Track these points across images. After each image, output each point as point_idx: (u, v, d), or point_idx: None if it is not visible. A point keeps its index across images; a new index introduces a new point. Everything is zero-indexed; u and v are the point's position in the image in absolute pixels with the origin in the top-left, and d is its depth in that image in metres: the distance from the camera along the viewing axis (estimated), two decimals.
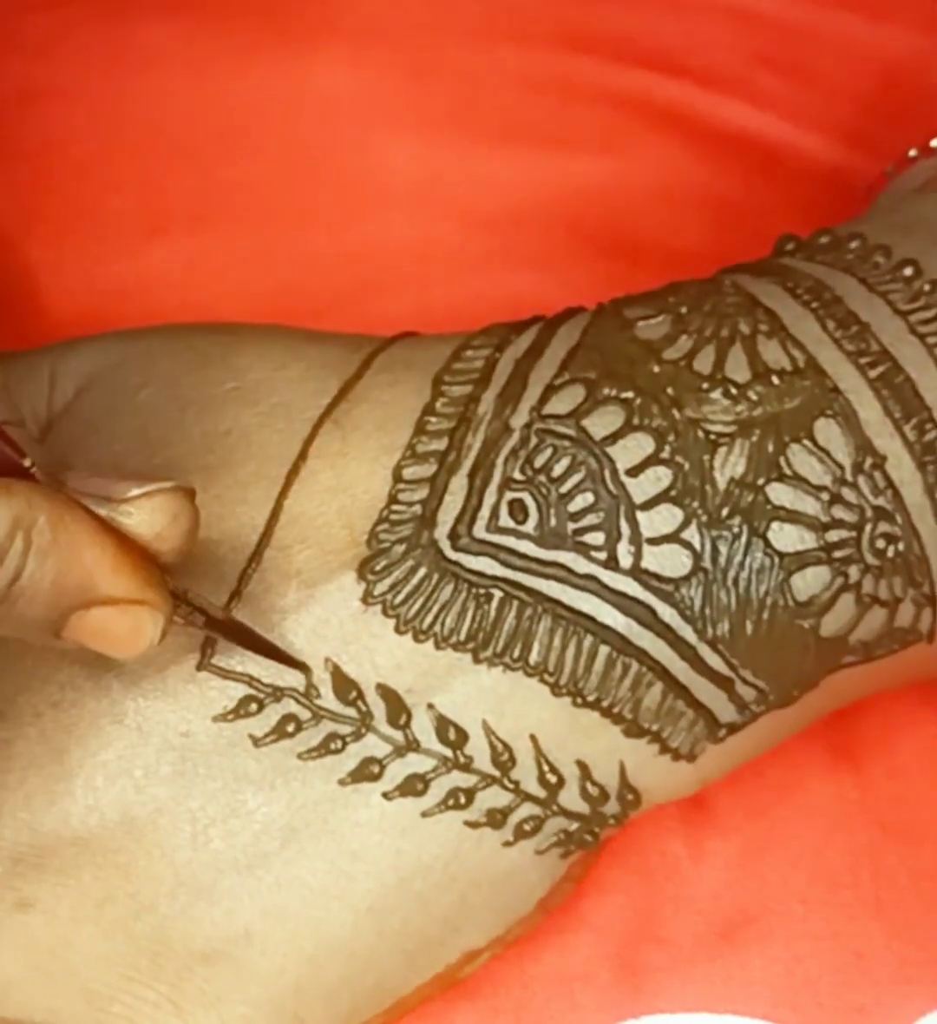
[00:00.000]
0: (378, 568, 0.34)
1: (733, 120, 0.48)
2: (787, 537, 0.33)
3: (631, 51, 0.48)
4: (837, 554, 0.33)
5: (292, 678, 0.33)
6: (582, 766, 0.34)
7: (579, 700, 0.33)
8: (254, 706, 0.33)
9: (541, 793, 0.34)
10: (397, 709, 0.33)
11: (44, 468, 0.30)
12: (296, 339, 0.37)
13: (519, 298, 0.44)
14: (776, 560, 0.33)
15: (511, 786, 0.34)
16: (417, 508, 0.34)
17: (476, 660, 0.33)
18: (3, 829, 0.33)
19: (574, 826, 0.34)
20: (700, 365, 0.34)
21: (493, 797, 0.34)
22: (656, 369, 0.34)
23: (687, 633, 0.33)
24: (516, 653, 0.33)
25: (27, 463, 0.30)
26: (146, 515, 0.31)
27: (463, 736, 0.33)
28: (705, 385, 0.34)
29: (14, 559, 0.29)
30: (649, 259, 0.46)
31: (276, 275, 0.45)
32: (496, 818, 0.33)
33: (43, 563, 0.29)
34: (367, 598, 0.33)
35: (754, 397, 0.34)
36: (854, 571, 0.34)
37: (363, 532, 0.34)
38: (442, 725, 0.33)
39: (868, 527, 0.34)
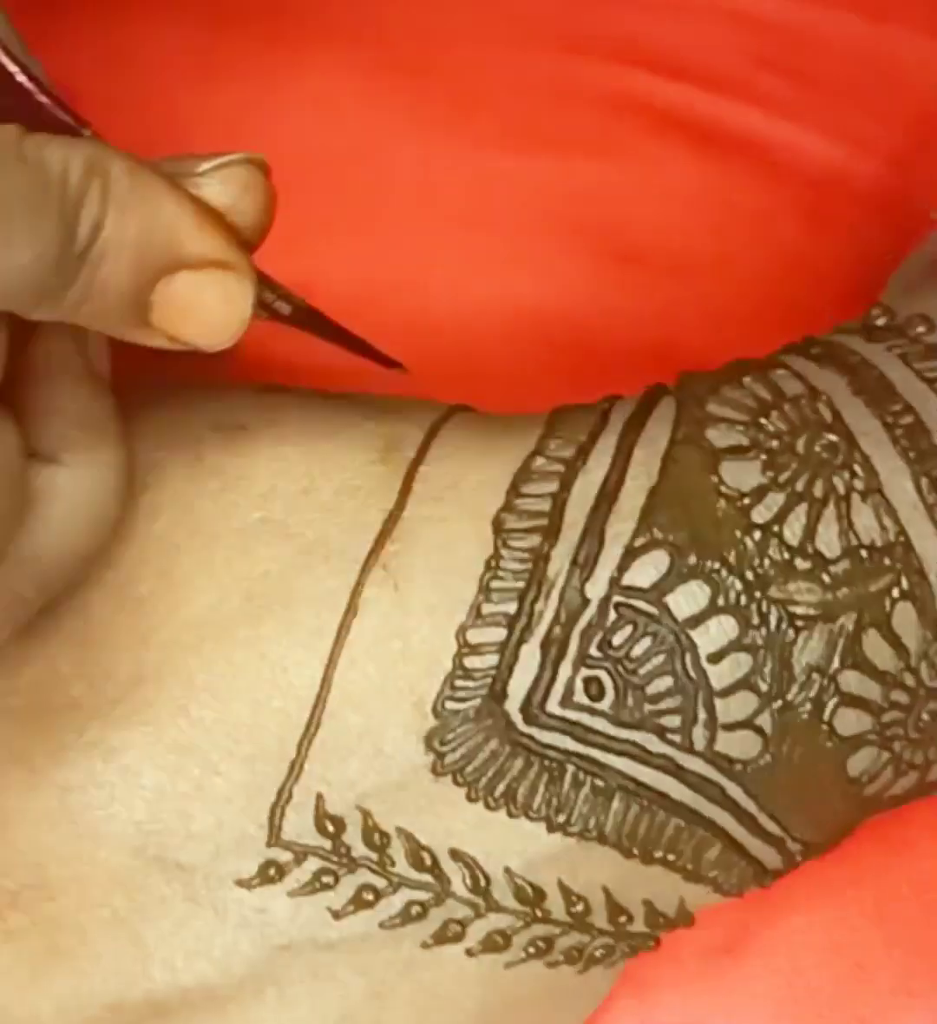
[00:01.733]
0: (447, 739, 0.32)
1: (734, 122, 0.48)
2: (848, 721, 0.33)
3: (631, 53, 0.48)
4: (888, 733, 0.33)
5: (364, 848, 0.32)
6: (648, 904, 0.34)
7: (648, 859, 0.33)
8: (329, 878, 0.33)
9: (611, 928, 0.34)
10: (475, 874, 0.33)
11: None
12: (312, 436, 0.34)
13: (519, 301, 0.45)
14: (836, 743, 0.33)
15: (586, 929, 0.34)
16: (486, 679, 0.32)
17: (551, 829, 0.33)
18: (83, 1010, 0.33)
19: (637, 942, 0.35)
20: (790, 533, 0.32)
21: (571, 939, 0.34)
22: (744, 538, 0.32)
23: (750, 806, 0.33)
24: (591, 825, 0.33)
25: (87, 133, 0.29)
26: (217, 186, 0.30)
27: (540, 894, 0.33)
28: (793, 560, 0.32)
29: (93, 205, 0.28)
30: (650, 262, 0.46)
31: (274, 277, 0.45)
32: (573, 955, 0.34)
33: (124, 213, 0.28)
34: (436, 768, 0.32)
35: (841, 575, 0.32)
36: (898, 745, 0.33)
37: (428, 699, 0.32)
38: (520, 887, 0.33)
39: (918, 706, 0.33)
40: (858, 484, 0.33)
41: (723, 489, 0.33)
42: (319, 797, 0.32)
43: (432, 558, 0.33)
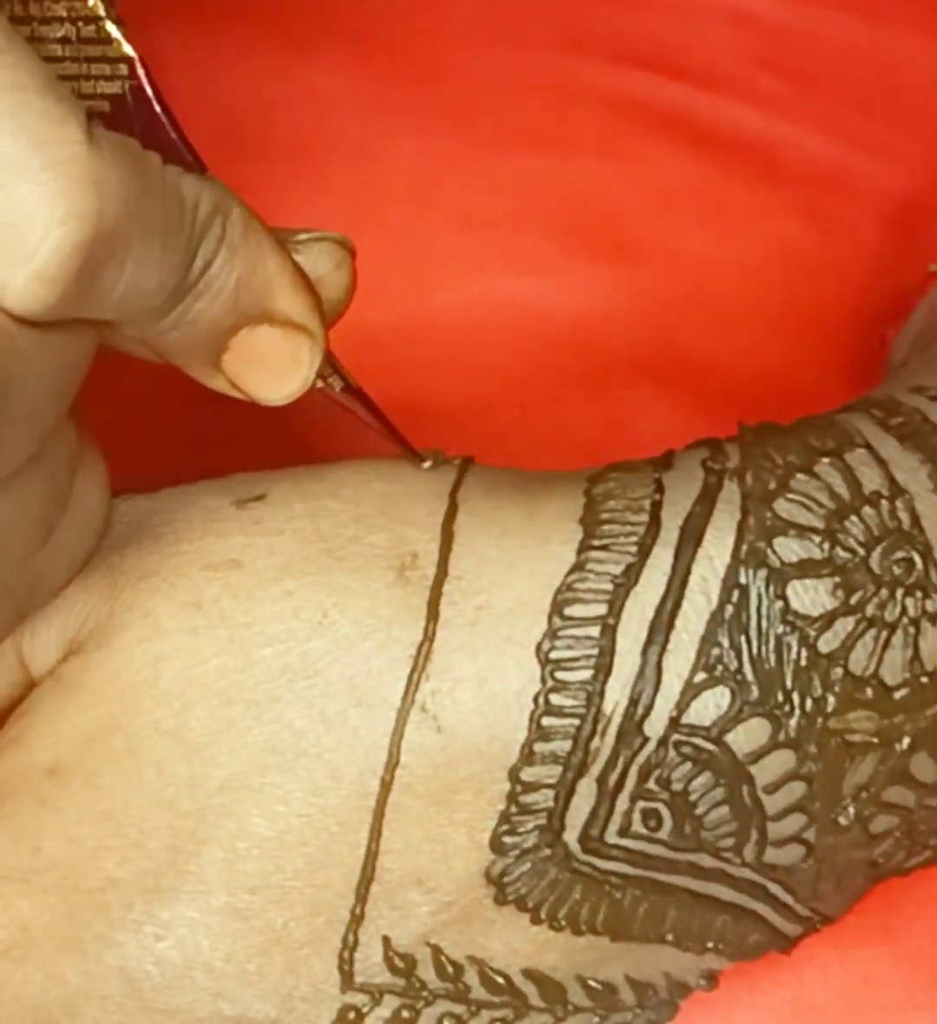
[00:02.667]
0: (507, 872, 0.32)
1: (734, 122, 0.48)
2: (881, 824, 0.33)
3: (631, 53, 0.48)
4: (915, 830, 0.33)
5: (438, 981, 0.32)
6: (708, 973, 0.34)
7: (702, 950, 0.33)
8: (409, 1014, 0.32)
9: (668, 998, 0.34)
10: (549, 988, 0.33)
11: None
12: (314, 562, 0.32)
13: (520, 302, 0.45)
14: (867, 839, 0.33)
15: (650, 1005, 0.34)
16: (542, 816, 0.31)
17: (614, 940, 0.33)
18: None
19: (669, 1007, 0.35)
20: (856, 662, 0.31)
21: (643, 1019, 0.34)
22: (810, 671, 0.31)
23: (789, 900, 0.33)
24: (650, 934, 0.33)
25: (209, 177, 0.30)
26: (312, 257, 0.31)
27: (613, 990, 0.33)
28: (855, 691, 0.31)
29: (212, 242, 0.29)
30: (650, 262, 0.46)
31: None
32: None
33: (233, 256, 0.29)
34: (498, 899, 0.32)
35: (900, 702, 0.31)
36: (920, 834, 0.33)
37: (484, 836, 0.31)
38: (592, 990, 0.33)
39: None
40: (930, 606, 0.31)
41: (790, 616, 0.31)
42: (385, 939, 0.32)
43: (474, 694, 0.31)
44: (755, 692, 0.31)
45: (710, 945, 0.33)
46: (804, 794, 0.31)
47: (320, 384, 0.31)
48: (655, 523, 0.32)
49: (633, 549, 0.31)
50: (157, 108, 0.29)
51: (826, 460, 0.32)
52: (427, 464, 0.33)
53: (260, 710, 0.31)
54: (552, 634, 0.31)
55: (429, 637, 0.31)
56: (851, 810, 0.32)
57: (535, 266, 0.45)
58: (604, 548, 0.32)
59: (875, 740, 0.31)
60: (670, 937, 0.33)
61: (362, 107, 0.47)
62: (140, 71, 0.29)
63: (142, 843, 0.31)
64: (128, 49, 0.29)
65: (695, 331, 0.45)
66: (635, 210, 0.46)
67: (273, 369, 0.30)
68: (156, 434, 0.41)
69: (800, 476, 0.32)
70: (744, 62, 0.48)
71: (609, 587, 0.31)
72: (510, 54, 0.47)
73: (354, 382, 0.33)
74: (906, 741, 0.31)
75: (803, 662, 0.31)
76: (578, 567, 0.31)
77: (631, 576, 0.31)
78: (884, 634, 0.31)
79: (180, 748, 0.31)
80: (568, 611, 0.31)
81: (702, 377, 0.44)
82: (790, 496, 0.32)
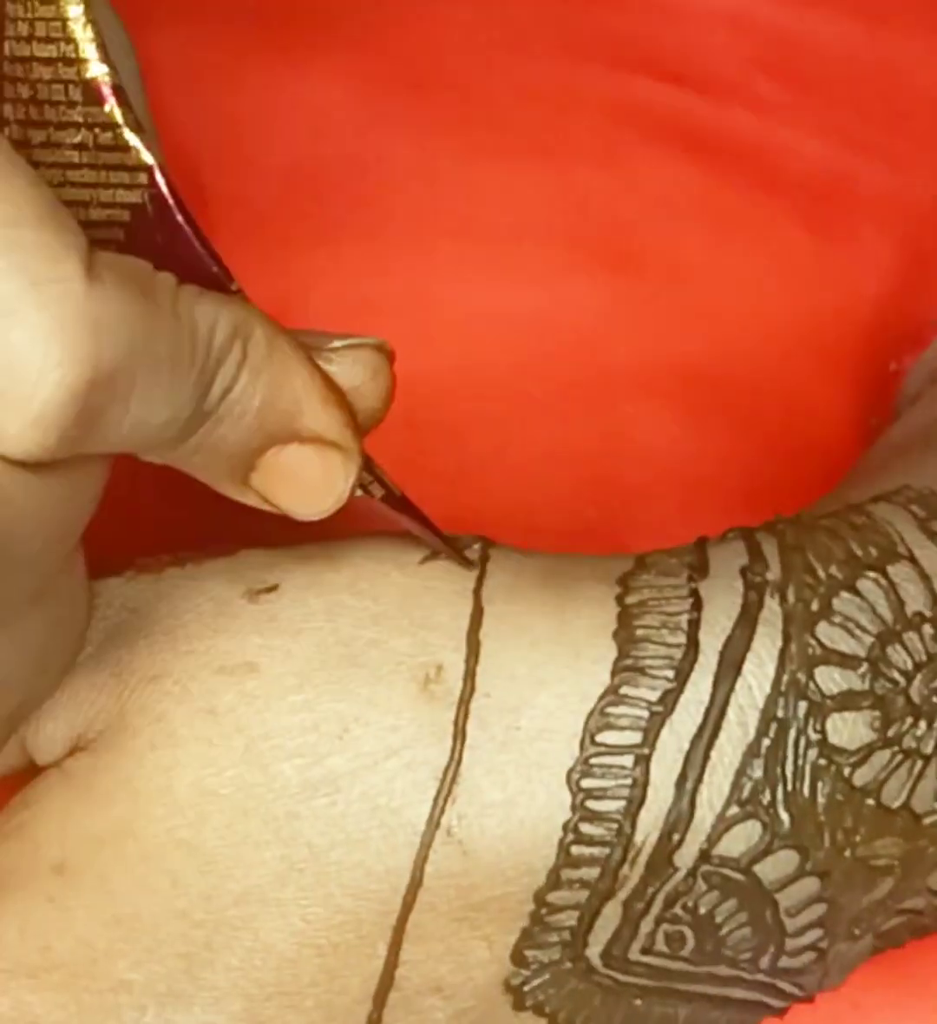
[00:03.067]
0: (527, 986, 0.31)
1: (733, 128, 0.47)
2: (891, 924, 0.33)
3: (630, 60, 0.48)
4: (918, 922, 0.33)
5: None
6: None
7: None
8: None
9: None
10: None
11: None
12: (334, 668, 0.31)
13: (519, 313, 0.44)
14: (878, 938, 0.33)
15: None
16: (565, 933, 0.31)
17: None
18: None
19: None
20: (888, 795, 0.31)
21: None
22: (843, 805, 0.30)
23: (795, 992, 0.33)
24: None
25: (234, 287, 0.29)
26: (348, 366, 0.29)
27: None
28: (885, 821, 0.31)
29: (231, 368, 0.28)
30: (650, 271, 0.45)
31: (274, 290, 0.44)
32: None
33: (256, 379, 0.28)
34: (518, 1005, 0.31)
35: (927, 828, 0.31)
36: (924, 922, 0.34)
37: (505, 947, 0.31)
38: None
39: None
40: None
41: (827, 751, 0.30)
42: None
43: (501, 821, 0.30)
44: (787, 826, 0.30)
45: None
46: (824, 913, 0.31)
47: (359, 493, 0.30)
48: (693, 646, 0.31)
49: (670, 674, 0.31)
50: (179, 218, 0.28)
51: (870, 575, 0.32)
52: (474, 568, 0.32)
53: (279, 826, 0.30)
54: (584, 761, 0.30)
55: (456, 760, 0.30)
56: (865, 922, 0.32)
57: (534, 277, 0.45)
58: (639, 670, 0.31)
59: (898, 863, 0.31)
60: None
61: (360, 117, 0.46)
62: (160, 180, 0.28)
63: (155, 950, 0.30)
64: (147, 157, 0.28)
65: (695, 341, 0.45)
66: (635, 219, 0.46)
67: (305, 487, 0.29)
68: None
69: (844, 594, 0.31)
70: (744, 68, 0.48)
71: (644, 714, 0.30)
72: (509, 62, 0.47)
73: (397, 489, 0.31)
74: (929, 862, 0.31)
75: (837, 796, 0.30)
76: (612, 690, 0.31)
77: (667, 704, 0.30)
78: (919, 765, 0.31)
79: (195, 859, 0.30)
80: (600, 737, 0.30)
81: (702, 388, 0.44)
82: (833, 619, 0.31)
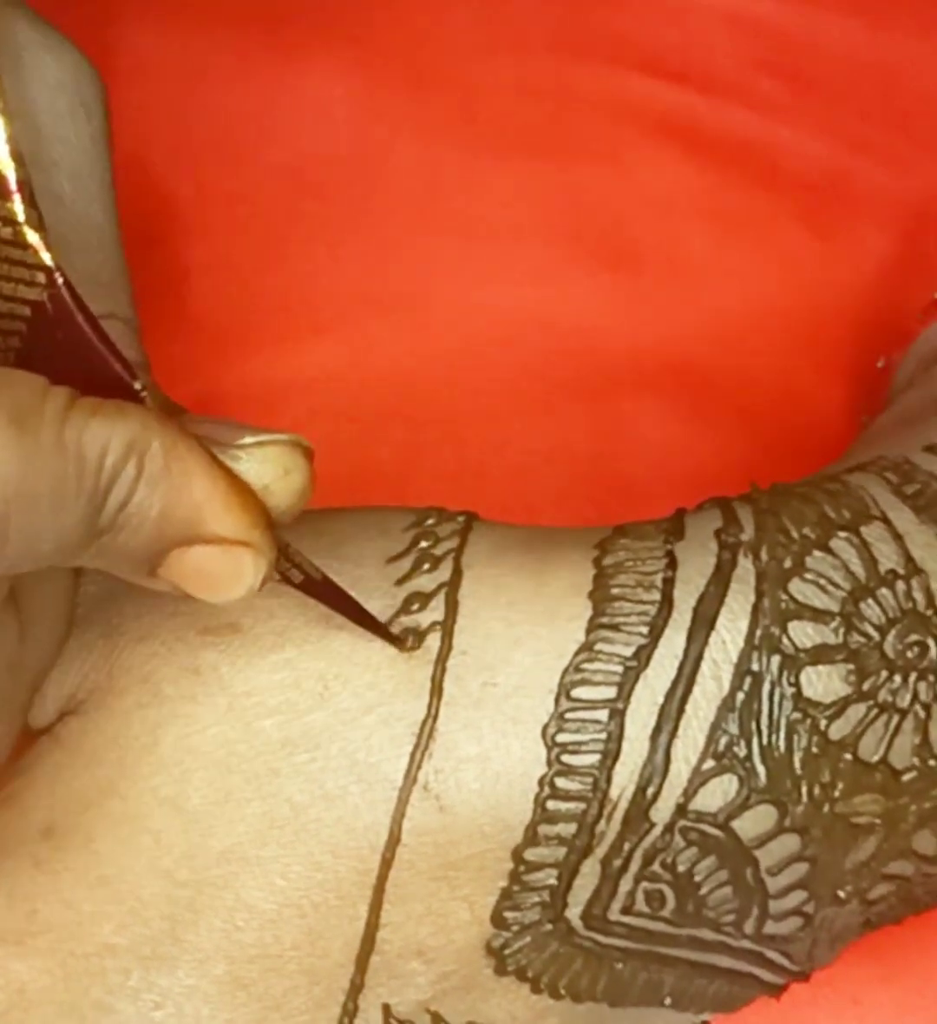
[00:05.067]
0: (508, 948, 0.31)
1: (734, 127, 0.47)
2: (879, 892, 0.32)
3: (631, 58, 0.48)
4: (911, 894, 0.33)
5: None
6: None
7: (699, 1011, 0.33)
8: None
9: None
10: None
11: (156, 399, 0.28)
12: (316, 629, 0.32)
13: (519, 310, 0.44)
14: (868, 907, 0.33)
15: None
16: (544, 893, 0.31)
17: (613, 1005, 0.32)
18: None
19: None
20: (865, 749, 0.31)
21: None
22: (819, 756, 0.30)
23: (785, 963, 0.33)
24: (649, 1000, 0.32)
25: (138, 386, 0.28)
26: (256, 464, 0.28)
27: None
28: (864, 776, 0.31)
29: (125, 484, 0.27)
30: (650, 268, 0.45)
31: (275, 288, 0.45)
32: None
33: (153, 491, 0.27)
34: (499, 969, 0.32)
35: (907, 784, 0.31)
36: (916, 895, 0.33)
37: (484, 909, 0.31)
38: None
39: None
40: None
41: (802, 704, 0.30)
42: (385, 1007, 0.31)
43: (477, 776, 0.30)
44: (763, 780, 0.30)
45: (706, 1005, 0.33)
46: (806, 873, 0.31)
47: (276, 578, 0.30)
48: (667, 603, 0.31)
49: (644, 630, 0.31)
50: (79, 319, 0.28)
51: (842, 534, 0.32)
52: (410, 644, 0.31)
53: (259, 782, 0.31)
54: (559, 716, 0.30)
55: (432, 715, 0.31)
56: (850, 886, 0.32)
57: (534, 274, 0.45)
58: (614, 627, 0.31)
59: (879, 822, 0.31)
60: (668, 1001, 0.33)
61: (361, 115, 0.46)
62: (59, 280, 0.28)
63: (139, 911, 0.31)
64: (46, 258, 0.28)
65: (695, 340, 0.45)
66: (635, 217, 0.46)
67: (213, 581, 0.28)
68: None
69: (816, 553, 0.31)
70: (744, 67, 0.48)
71: (619, 669, 0.30)
72: (509, 60, 0.47)
73: (317, 572, 0.30)
74: (911, 821, 0.31)
75: (814, 750, 0.30)
76: (587, 647, 0.31)
77: (641, 659, 0.30)
78: (895, 720, 0.31)
79: (178, 817, 0.31)
80: (575, 693, 0.30)
81: (701, 385, 0.44)
82: (806, 576, 0.31)
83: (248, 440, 0.29)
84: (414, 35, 0.47)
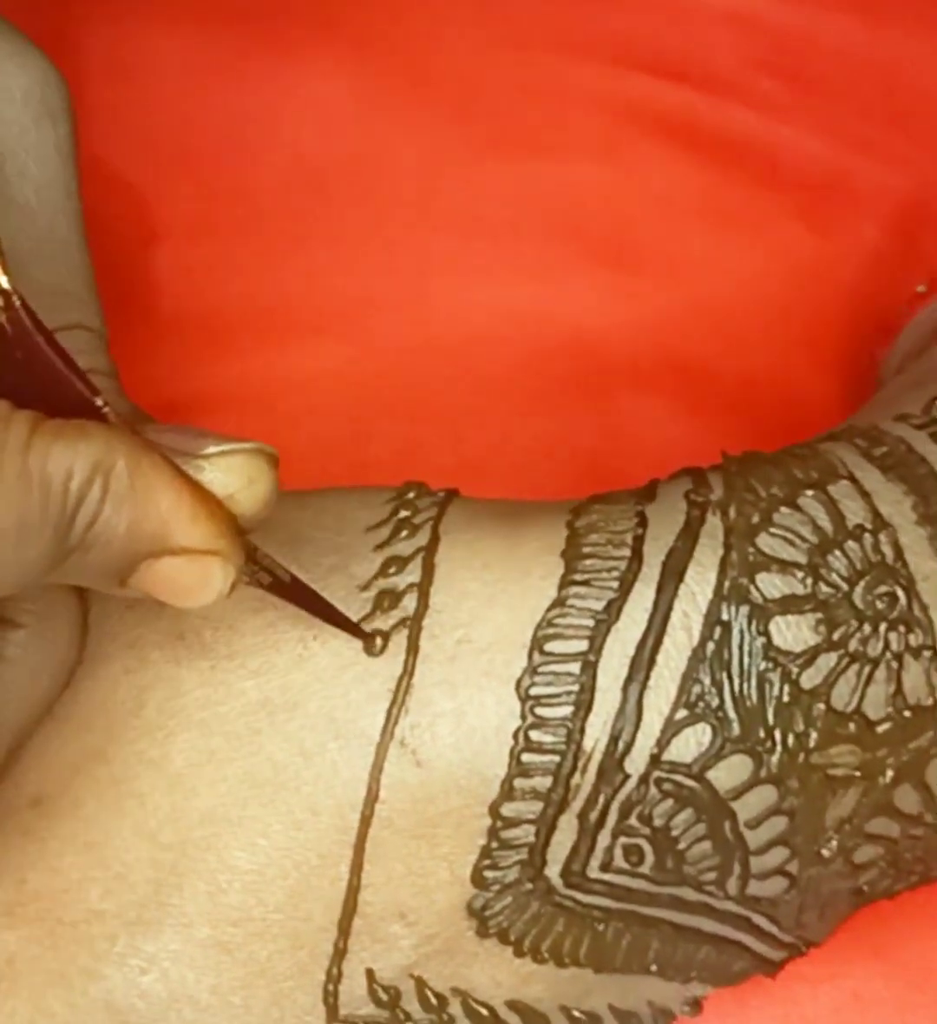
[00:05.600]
0: (489, 906, 0.32)
1: (733, 126, 0.48)
2: (866, 853, 0.33)
3: (630, 57, 0.48)
4: (900, 858, 0.33)
5: (422, 1012, 0.32)
6: (692, 1000, 0.34)
7: (686, 979, 0.33)
8: None
9: None
10: (533, 1019, 0.33)
11: (118, 413, 0.29)
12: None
13: (519, 309, 0.44)
14: (855, 872, 0.33)
15: None
16: (523, 850, 0.31)
17: (597, 971, 0.33)
18: None
19: None
20: (838, 698, 0.31)
21: None
22: (791, 706, 0.31)
23: (773, 929, 0.33)
24: (634, 965, 0.33)
25: (99, 402, 0.28)
26: (220, 474, 0.29)
27: (597, 1020, 0.33)
28: (838, 726, 0.31)
29: (92, 505, 0.28)
30: (649, 266, 0.46)
31: (275, 286, 0.45)
32: None
33: (120, 509, 0.28)
34: (481, 932, 0.32)
35: (882, 736, 0.31)
36: (905, 861, 0.33)
37: (464, 868, 0.31)
38: (577, 1020, 0.33)
39: (932, 837, 0.33)
40: (913, 640, 0.31)
41: (772, 653, 0.31)
42: (369, 972, 0.32)
43: (453, 730, 0.31)
44: (736, 729, 0.31)
45: (694, 974, 0.33)
46: (786, 828, 0.31)
47: (245, 582, 0.30)
48: (637, 558, 0.32)
49: (614, 585, 0.31)
50: (38, 340, 0.28)
51: (810, 492, 0.32)
52: (378, 646, 0.32)
53: (241, 742, 0.31)
54: (532, 670, 0.31)
55: (408, 671, 0.31)
56: (834, 842, 0.32)
57: (534, 273, 0.45)
58: (585, 583, 0.31)
59: (857, 774, 0.31)
60: (654, 968, 0.33)
61: (361, 114, 0.46)
62: (16, 302, 0.28)
63: (125, 876, 0.31)
64: (3, 281, 0.28)
65: (694, 337, 0.45)
66: (634, 215, 0.46)
67: (182, 589, 0.29)
68: None
69: (783, 510, 0.32)
70: (744, 65, 0.48)
71: (590, 623, 0.31)
72: (509, 59, 0.47)
73: (286, 574, 0.31)
74: (889, 774, 0.31)
75: (785, 698, 0.31)
76: (559, 603, 0.31)
77: (612, 612, 0.31)
78: (867, 669, 0.31)
79: (162, 779, 0.31)
80: (548, 647, 0.31)
81: (701, 384, 0.44)
82: (773, 530, 0.32)
83: (212, 450, 0.29)
84: (415, 34, 0.47)
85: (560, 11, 0.48)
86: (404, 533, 0.33)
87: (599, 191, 0.46)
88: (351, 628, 0.32)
